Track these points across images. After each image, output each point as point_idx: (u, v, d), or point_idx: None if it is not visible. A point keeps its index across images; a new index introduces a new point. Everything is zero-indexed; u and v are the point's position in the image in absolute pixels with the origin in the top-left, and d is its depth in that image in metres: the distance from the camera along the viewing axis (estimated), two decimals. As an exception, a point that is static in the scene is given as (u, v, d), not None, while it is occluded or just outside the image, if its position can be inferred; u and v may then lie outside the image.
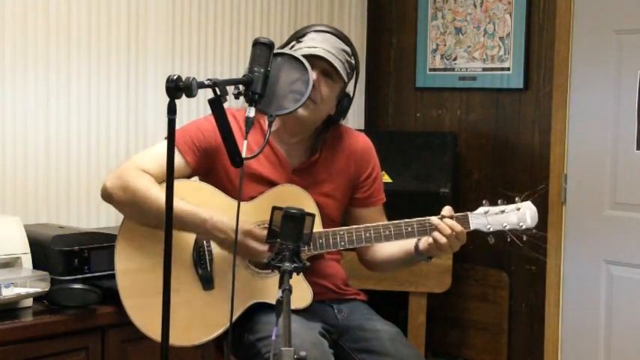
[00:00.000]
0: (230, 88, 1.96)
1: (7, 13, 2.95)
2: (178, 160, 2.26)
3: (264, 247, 2.16)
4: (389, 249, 2.40)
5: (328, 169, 2.38)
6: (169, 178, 1.79)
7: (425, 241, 2.27)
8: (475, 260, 3.98)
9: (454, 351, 4.11)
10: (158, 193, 2.16)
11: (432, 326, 3.86)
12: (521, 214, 2.28)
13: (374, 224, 2.30)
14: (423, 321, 3.69)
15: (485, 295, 4.00)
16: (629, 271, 3.54)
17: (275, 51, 2.12)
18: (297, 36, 2.34)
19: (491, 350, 3.99)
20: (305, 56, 2.20)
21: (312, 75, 2.13)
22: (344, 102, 2.36)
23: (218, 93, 1.89)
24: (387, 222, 2.30)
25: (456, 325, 4.10)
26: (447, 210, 2.26)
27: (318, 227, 2.27)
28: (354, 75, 2.39)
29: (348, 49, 2.34)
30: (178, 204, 2.17)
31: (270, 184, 2.32)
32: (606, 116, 3.58)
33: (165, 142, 2.21)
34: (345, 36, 2.37)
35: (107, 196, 2.25)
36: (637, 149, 3.51)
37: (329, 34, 2.33)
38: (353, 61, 2.36)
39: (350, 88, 2.40)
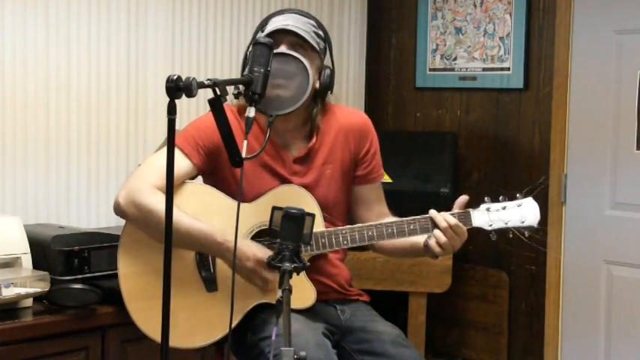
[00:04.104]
0: (230, 88, 1.96)
1: (7, 8, 2.96)
2: (185, 163, 2.25)
3: (276, 277, 2.17)
4: (396, 241, 2.37)
5: (328, 151, 2.36)
6: (169, 178, 1.79)
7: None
8: (475, 260, 3.98)
9: (454, 351, 4.11)
10: (175, 215, 2.14)
11: (432, 326, 3.86)
12: (522, 210, 2.29)
13: (376, 223, 2.29)
14: (423, 321, 3.69)
15: (485, 295, 4.00)
16: (629, 271, 3.54)
17: (282, 51, 2.14)
18: (261, 26, 2.35)
19: (491, 350, 3.99)
20: (270, 33, 2.23)
21: (282, 48, 2.16)
22: (325, 74, 2.32)
23: (218, 93, 1.89)
24: (389, 220, 2.30)
25: (456, 325, 4.10)
26: (458, 202, 2.28)
27: (320, 226, 2.27)
28: (328, 48, 2.38)
29: (312, 22, 2.34)
30: (193, 224, 2.19)
31: (277, 175, 2.31)
32: (606, 116, 3.58)
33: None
34: (307, 13, 2.37)
35: (120, 212, 2.25)
36: (637, 149, 3.51)
37: (290, 13, 2.34)
38: (321, 33, 2.34)
39: (328, 62, 2.37)
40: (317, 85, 2.32)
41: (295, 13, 2.35)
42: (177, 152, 2.23)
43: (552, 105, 3.74)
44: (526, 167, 3.88)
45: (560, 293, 3.72)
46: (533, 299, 3.87)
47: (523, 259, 3.88)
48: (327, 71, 2.33)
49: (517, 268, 3.91)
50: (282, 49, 2.20)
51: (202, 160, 2.28)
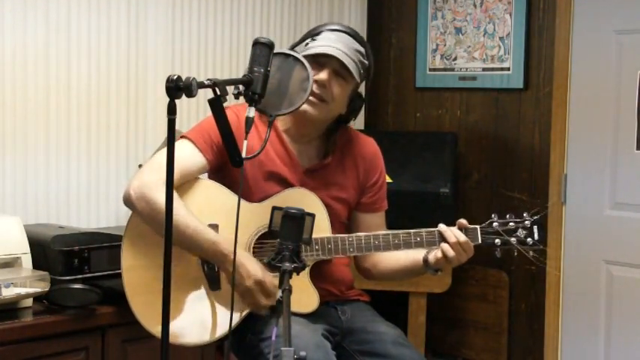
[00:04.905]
0: (230, 88, 1.95)
1: (7, 7, 2.96)
2: (198, 158, 2.25)
3: (270, 303, 2.17)
4: (394, 259, 2.40)
5: (339, 172, 2.38)
6: (169, 177, 1.78)
7: (434, 255, 2.28)
8: (475, 260, 3.92)
9: (454, 351, 4.11)
10: (184, 216, 2.15)
11: (432, 326, 3.86)
12: (529, 230, 2.31)
13: (383, 232, 2.30)
14: (423, 321, 3.69)
15: (485, 295, 4.00)
16: (629, 271, 3.54)
17: (282, 51, 2.13)
18: (312, 34, 2.33)
19: (491, 350, 3.98)
20: (318, 54, 2.22)
21: (323, 75, 2.17)
22: (355, 102, 2.36)
23: (218, 93, 1.89)
24: (395, 231, 2.30)
25: (456, 325, 4.09)
26: (460, 222, 2.29)
27: (327, 232, 2.27)
28: (367, 76, 2.38)
29: (362, 49, 2.32)
30: (202, 230, 2.17)
31: (284, 182, 2.31)
32: (606, 116, 3.58)
33: (183, 144, 2.22)
34: (360, 36, 2.35)
35: (131, 205, 2.23)
36: (637, 149, 3.51)
37: (344, 34, 2.31)
38: (366, 62, 2.34)
39: (362, 89, 2.39)
40: (344, 110, 2.35)
41: (348, 33, 2.32)
42: (192, 147, 2.25)
43: (552, 105, 3.74)
44: (526, 167, 3.88)
45: (560, 293, 3.72)
46: (533, 299, 3.87)
47: (523, 260, 3.86)
48: (358, 101, 2.36)
49: (517, 268, 3.91)
50: (299, 53, 2.19)
51: (215, 156, 2.27)
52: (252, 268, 2.17)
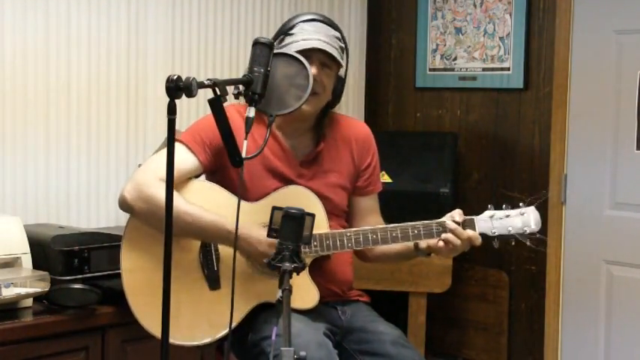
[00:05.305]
0: (230, 88, 1.96)
1: (7, 6, 2.96)
2: (191, 160, 2.26)
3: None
4: (387, 245, 2.40)
5: (333, 159, 2.39)
6: (169, 176, 1.78)
7: (427, 241, 2.29)
8: (475, 260, 3.98)
9: (454, 351, 4.11)
10: (183, 204, 2.16)
11: (432, 326, 3.86)
12: (525, 219, 2.31)
13: (381, 226, 2.30)
14: (423, 321, 3.69)
15: (485, 295, 4.00)
16: (629, 271, 3.54)
17: (280, 51, 2.13)
18: (286, 29, 2.32)
19: (491, 350, 3.99)
20: (303, 50, 2.22)
21: (312, 70, 2.16)
22: (338, 85, 2.36)
23: (218, 93, 1.89)
24: (393, 224, 2.30)
25: (456, 325, 4.09)
26: (457, 213, 2.29)
27: (324, 228, 2.28)
28: (346, 58, 2.39)
29: (337, 34, 2.34)
30: (202, 214, 2.18)
31: (282, 177, 2.31)
32: (606, 116, 3.58)
33: (177, 144, 2.22)
34: (332, 21, 2.36)
35: (127, 207, 2.23)
36: (637, 149, 3.51)
37: (319, 23, 2.32)
38: (343, 45, 2.36)
39: (342, 71, 2.39)
40: (330, 97, 2.35)
41: (323, 22, 2.33)
42: (183, 149, 2.25)
43: (552, 105, 3.74)
44: (526, 167, 3.88)
45: (560, 293, 3.72)
46: (533, 299, 3.87)
47: (523, 259, 3.88)
48: (339, 85, 2.37)
49: (517, 268, 3.91)
50: (291, 51, 2.19)
51: (208, 158, 2.28)
52: (260, 234, 2.16)
